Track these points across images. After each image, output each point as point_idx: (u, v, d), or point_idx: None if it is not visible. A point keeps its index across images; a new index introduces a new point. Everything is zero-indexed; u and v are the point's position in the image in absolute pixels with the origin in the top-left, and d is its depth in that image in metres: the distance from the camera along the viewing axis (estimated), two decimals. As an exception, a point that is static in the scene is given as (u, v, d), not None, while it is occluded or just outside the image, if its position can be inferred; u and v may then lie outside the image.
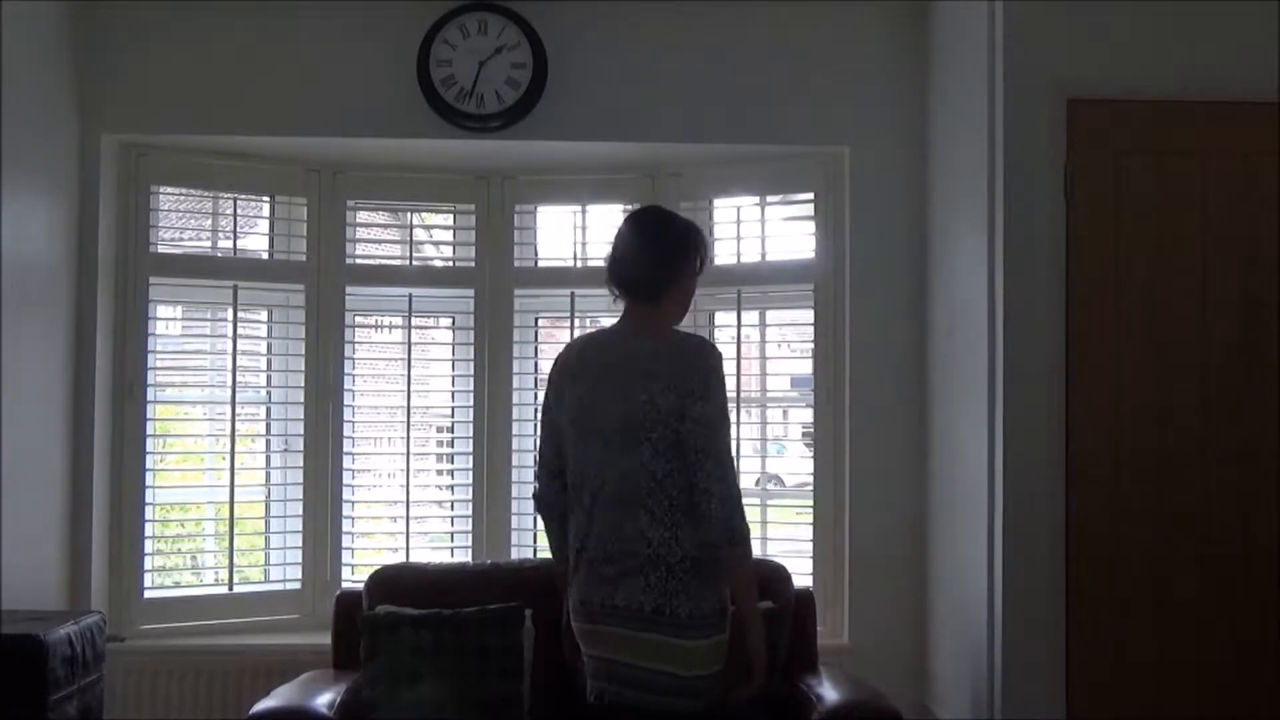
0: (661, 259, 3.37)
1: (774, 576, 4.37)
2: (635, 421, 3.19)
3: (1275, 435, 4.16)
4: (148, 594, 5.09)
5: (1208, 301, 4.19)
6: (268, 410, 5.32)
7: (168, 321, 5.39)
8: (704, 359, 3.25)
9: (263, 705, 3.85)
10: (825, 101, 5.04)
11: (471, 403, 5.36)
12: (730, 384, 5.21)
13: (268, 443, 5.31)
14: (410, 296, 5.36)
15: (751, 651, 3.24)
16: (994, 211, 4.24)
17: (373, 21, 4.96)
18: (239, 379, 5.20)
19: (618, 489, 3.20)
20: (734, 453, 3.40)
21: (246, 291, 5.22)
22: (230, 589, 5.18)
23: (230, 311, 5.19)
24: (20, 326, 4.44)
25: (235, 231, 5.31)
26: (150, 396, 5.10)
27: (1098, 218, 4.17)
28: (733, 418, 5.18)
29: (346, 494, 5.31)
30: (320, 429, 5.27)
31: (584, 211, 5.44)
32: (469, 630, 4.10)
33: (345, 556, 5.30)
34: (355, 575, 5.20)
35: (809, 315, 5.21)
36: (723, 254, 5.33)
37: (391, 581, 4.42)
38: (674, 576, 3.14)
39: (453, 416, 5.46)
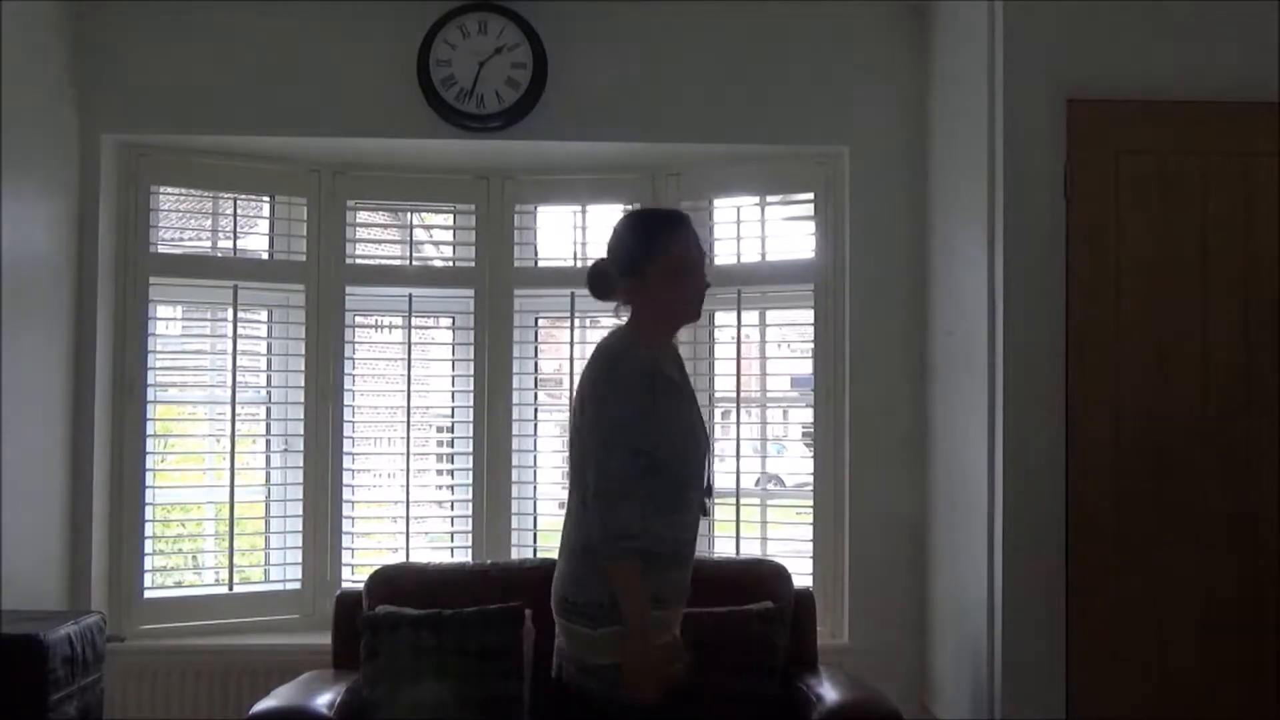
0: (614, 253, 3.36)
1: (774, 576, 4.38)
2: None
3: (1276, 435, 4.15)
4: (148, 594, 5.09)
5: (1208, 301, 4.18)
6: (268, 410, 5.31)
7: (168, 321, 5.38)
8: (602, 361, 3.27)
9: (263, 705, 3.85)
10: (825, 101, 5.04)
11: (471, 403, 5.37)
12: (729, 384, 5.25)
13: (268, 443, 5.31)
14: (410, 296, 5.36)
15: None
16: (994, 211, 4.24)
17: (373, 21, 4.96)
18: (239, 379, 5.20)
19: None
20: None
21: (246, 291, 5.22)
22: (230, 589, 5.18)
23: (230, 311, 5.18)
24: (20, 327, 4.44)
25: (235, 231, 5.31)
26: (150, 396, 5.10)
27: (1097, 217, 4.17)
28: (732, 418, 5.25)
29: (346, 494, 5.31)
30: (320, 429, 5.27)
31: (584, 211, 5.44)
32: (469, 630, 4.10)
33: (345, 556, 5.31)
34: (355, 575, 5.20)
35: (809, 315, 5.21)
36: (723, 254, 5.34)
37: (391, 581, 4.42)
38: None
39: (453, 416, 5.46)
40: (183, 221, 5.61)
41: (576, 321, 5.39)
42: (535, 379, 5.44)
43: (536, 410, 5.45)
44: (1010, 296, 4.17)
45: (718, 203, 5.39)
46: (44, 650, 3.78)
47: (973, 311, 4.38)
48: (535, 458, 5.38)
